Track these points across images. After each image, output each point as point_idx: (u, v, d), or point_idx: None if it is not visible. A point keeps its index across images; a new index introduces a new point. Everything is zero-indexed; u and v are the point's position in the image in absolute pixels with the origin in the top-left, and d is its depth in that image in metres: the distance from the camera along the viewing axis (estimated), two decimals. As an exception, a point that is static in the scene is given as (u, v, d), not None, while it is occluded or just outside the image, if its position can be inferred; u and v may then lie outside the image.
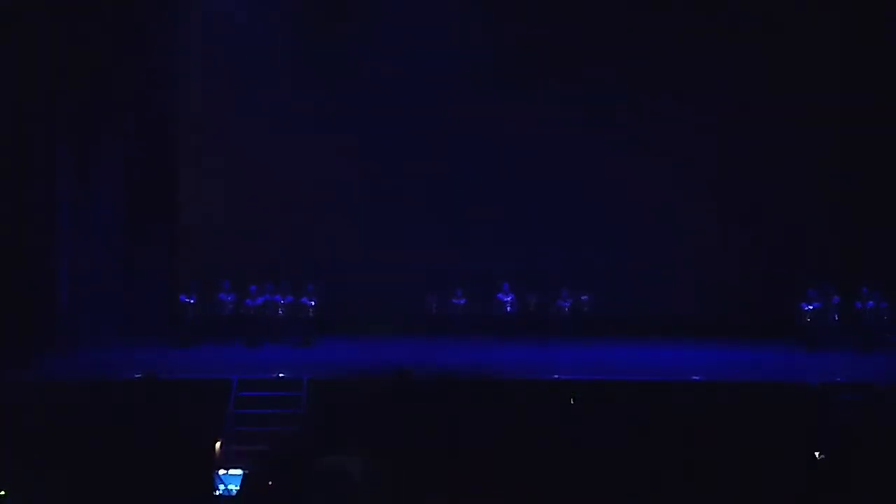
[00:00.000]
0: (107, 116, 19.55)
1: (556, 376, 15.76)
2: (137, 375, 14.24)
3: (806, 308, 19.19)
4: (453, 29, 20.62)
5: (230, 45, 20.63)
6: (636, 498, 9.68)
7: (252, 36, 20.68)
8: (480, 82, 21.01)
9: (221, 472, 11.07)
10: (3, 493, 8.99)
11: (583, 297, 20.50)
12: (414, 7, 20.88)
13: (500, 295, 20.63)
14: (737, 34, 21.04)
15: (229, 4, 20.85)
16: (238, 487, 10.83)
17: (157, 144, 20.82)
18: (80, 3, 18.56)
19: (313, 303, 19.64)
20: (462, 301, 20.67)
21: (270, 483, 8.32)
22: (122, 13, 19.47)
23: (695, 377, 15.64)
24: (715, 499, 9.61)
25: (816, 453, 11.29)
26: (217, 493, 10.63)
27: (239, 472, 11.05)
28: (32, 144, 17.72)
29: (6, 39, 17.16)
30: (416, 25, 20.80)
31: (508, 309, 20.61)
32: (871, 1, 20.55)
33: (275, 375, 15.82)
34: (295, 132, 21.19)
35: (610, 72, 21.07)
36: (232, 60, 20.74)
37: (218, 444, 11.81)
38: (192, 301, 19.51)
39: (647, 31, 20.99)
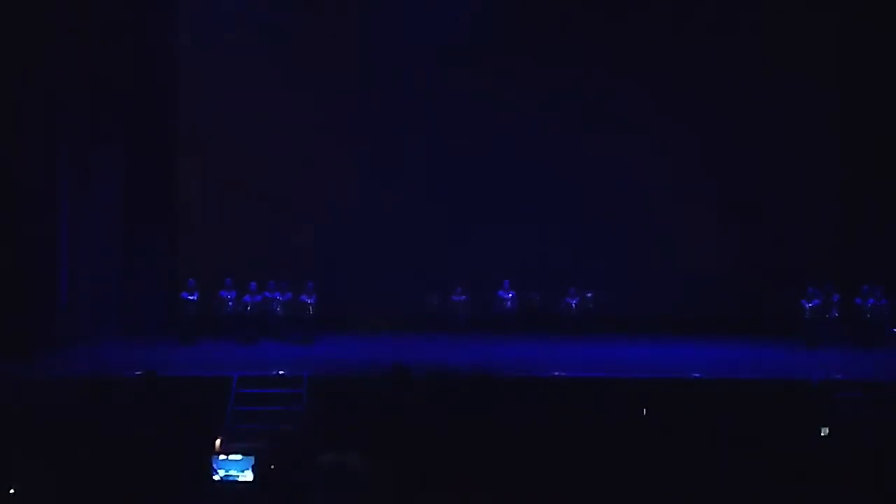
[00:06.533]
0: (107, 116, 19.54)
1: (555, 374, 15.78)
2: (138, 373, 14.23)
3: (806, 305, 19.19)
4: (453, 31, 20.59)
5: (230, 46, 20.61)
6: (637, 494, 9.69)
7: (252, 37, 20.68)
8: (481, 82, 21.02)
9: (221, 457, 11.08)
10: (12, 490, 9.02)
11: (588, 295, 20.54)
12: (411, 9, 20.91)
13: (500, 292, 20.64)
14: (737, 35, 21.04)
15: (229, 6, 20.86)
16: (240, 473, 10.90)
17: (158, 143, 20.81)
18: (80, 4, 18.54)
19: (313, 300, 19.64)
20: (462, 298, 20.69)
21: (276, 472, 8.36)
22: (122, 14, 19.46)
23: (695, 375, 15.66)
24: (716, 495, 9.61)
25: (816, 450, 11.30)
26: (216, 478, 10.68)
27: (238, 457, 11.06)
28: (33, 142, 17.71)
29: (7, 41, 17.15)
30: (413, 27, 20.78)
31: (509, 306, 20.63)
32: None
33: (275, 373, 15.83)
34: (295, 132, 21.21)
35: (611, 73, 21.09)
36: (232, 61, 20.72)
37: (218, 442, 11.81)
38: (193, 298, 19.51)
39: (647, 34, 21.02)
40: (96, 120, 19.27)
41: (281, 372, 15.87)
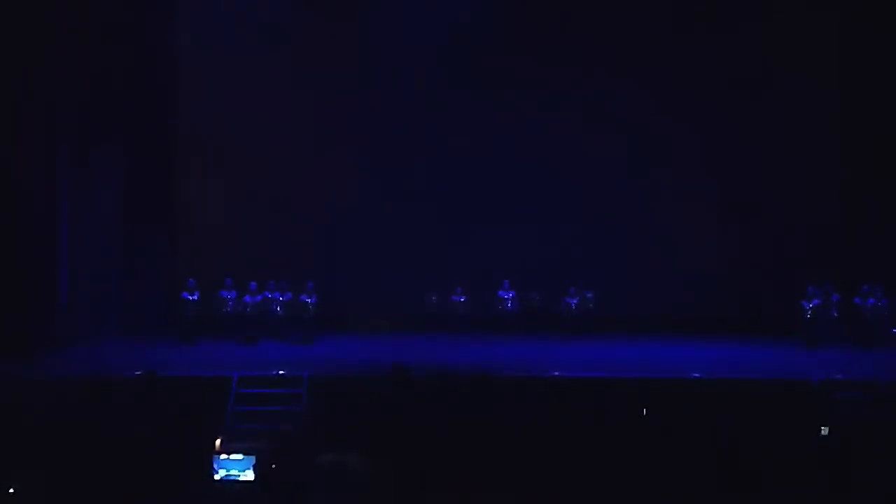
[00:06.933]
0: (107, 116, 19.53)
1: (555, 374, 15.77)
2: (138, 373, 14.23)
3: (806, 305, 19.19)
4: (453, 31, 20.61)
5: (230, 46, 20.60)
6: (637, 494, 9.69)
7: (252, 37, 20.67)
8: (481, 82, 21.02)
9: (222, 457, 11.10)
10: (12, 490, 9.03)
11: (588, 295, 20.53)
12: (411, 9, 20.93)
13: (500, 292, 20.64)
14: (737, 35, 21.04)
15: (229, 6, 20.86)
16: (241, 473, 10.94)
17: (158, 143, 20.80)
18: (80, 4, 18.54)
19: (313, 300, 19.64)
20: (462, 298, 20.68)
21: (276, 471, 8.35)
22: (122, 14, 19.47)
23: (695, 375, 15.65)
24: (716, 495, 9.62)
25: (816, 450, 11.30)
26: (216, 478, 10.70)
27: (239, 457, 11.08)
28: (33, 142, 17.71)
29: (7, 41, 17.15)
30: (413, 27, 20.80)
31: (509, 306, 20.63)
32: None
33: (275, 373, 15.83)
34: (295, 132, 21.21)
35: (611, 73, 21.10)
36: (232, 61, 20.70)
37: (218, 442, 11.82)
38: (193, 298, 19.51)
39: (647, 34, 21.04)
40: (96, 120, 19.25)
41: (281, 372, 15.86)
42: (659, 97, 21.15)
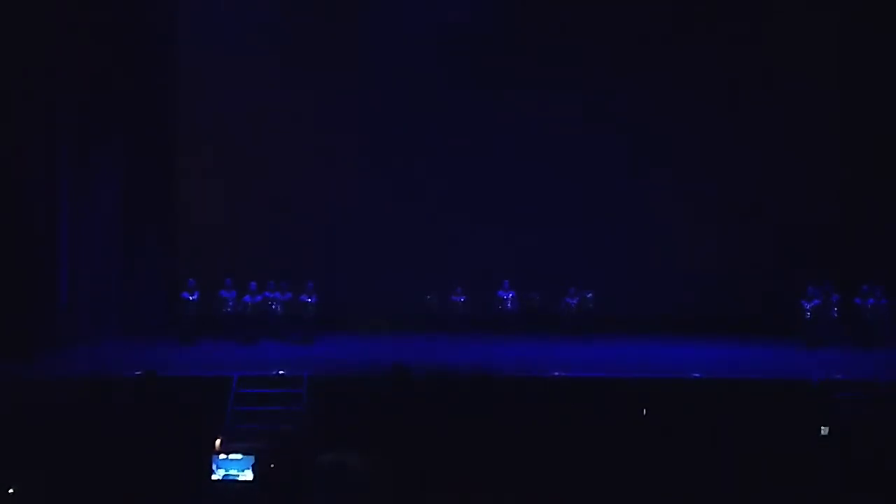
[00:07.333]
0: (107, 116, 19.54)
1: (556, 374, 15.77)
2: (138, 373, 14.24)
3: (806, 305, 19.19)
4: (453, 31, 20.62)
5: (230, 46, 20.60)
6: (637, 494, 9.70)
7: (252, 37, 20.67)
8: (481, 82, 21.02)
9: (221, 457, 11.11)
10: (11, 490, 9.03)
11: (588, 295, 20.53)
12: (411, 9, 20.94)
13: (500, 292, 20.64)
14: (737, 35, 21.05)
15: (229, 6, 20.86)
16: (240, 473, 10.94)
17: (158, 143, 20.80)
18: (80, 4, 18.55)
19: (313, 300, 19.64)
20: (462, 298, 20.68)
21: (276, 471, 8.36)
22: (122, 14, 19.47)
23: (695, 374, 15.66)
24: (716, 495, 9.62)
25: (816, 450, 11.31)
26: (216, 478, 10.70)
27: (238, 456, 11.08)
28: (33, 142, 17.72)
29: (7, 41, 17.15)
30: (413, 27, 20.81)
31: (509, 306, 20.63)
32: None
33: (275, 373, 15.83)
34: (295, 132, 21.22)
35: (611, 73, 21.09)
36: (232, 61, 20.71)
37: (218, 442, 11.82)
38: (193, 298, 19.51)
39: (647, 34, 21.04)
40: (96, 120, 19.26)
41: (281, 372, 15.86)
42: (659, 97, 21.16)
